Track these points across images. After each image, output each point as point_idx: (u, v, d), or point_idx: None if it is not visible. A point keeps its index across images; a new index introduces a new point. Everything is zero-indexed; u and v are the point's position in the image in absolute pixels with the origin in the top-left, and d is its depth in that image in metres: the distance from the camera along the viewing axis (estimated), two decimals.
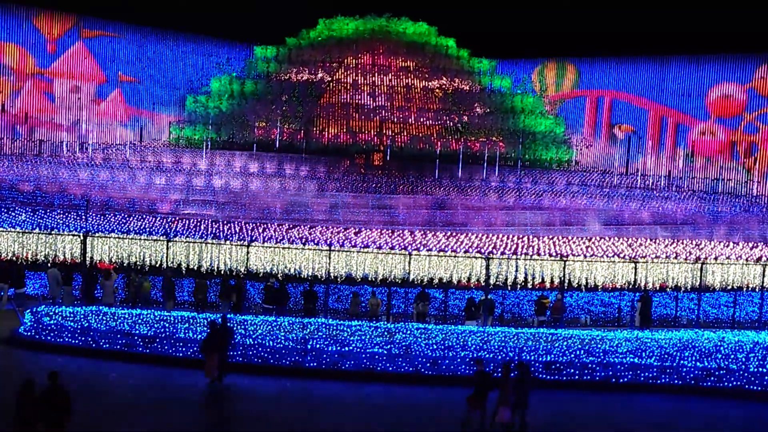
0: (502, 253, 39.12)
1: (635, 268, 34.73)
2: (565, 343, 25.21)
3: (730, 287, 36.15)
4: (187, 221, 46.63)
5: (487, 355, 23.82)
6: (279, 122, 72.17)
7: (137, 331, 24.39)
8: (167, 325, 24.95)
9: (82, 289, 29.87)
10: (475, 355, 23.74)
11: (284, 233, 43.62)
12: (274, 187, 59.84)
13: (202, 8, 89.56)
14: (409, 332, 25.70)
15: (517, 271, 34.86)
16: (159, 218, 47.57)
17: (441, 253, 36.37)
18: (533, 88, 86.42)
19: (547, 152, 75.29)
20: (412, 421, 19.94)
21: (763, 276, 35.06)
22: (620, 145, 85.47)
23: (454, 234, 47.18)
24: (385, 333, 25.50)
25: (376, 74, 77.71)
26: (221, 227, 45.36)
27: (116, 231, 39.04)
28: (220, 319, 23.11)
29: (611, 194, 64.62)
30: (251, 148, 69.62)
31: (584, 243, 45.55)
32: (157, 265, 33.71)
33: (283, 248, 34.97)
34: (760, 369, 23.74)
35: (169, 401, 20.40)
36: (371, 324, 27.08)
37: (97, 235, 34.91)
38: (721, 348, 25.42)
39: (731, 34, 79.61)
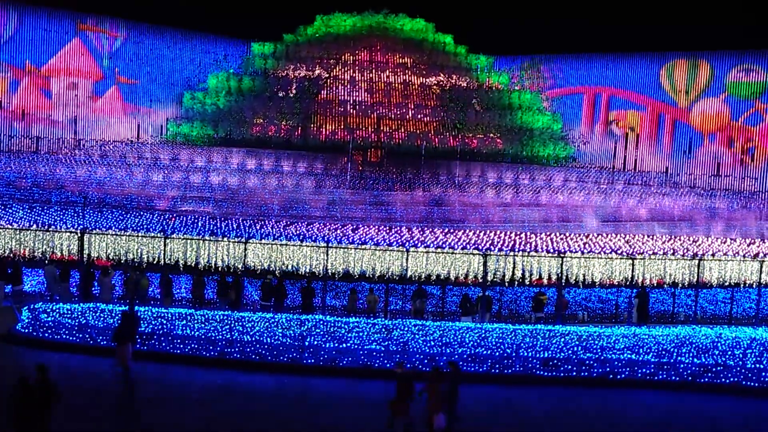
0: (500, 250, 39.12)
1: (633, 265, 34.74)
2: (562, 339, 25.22)
3: (727, 283, 36.15)
4: (184, 218, 46.58)
5: (485, 352, 23.84)
6: (276, 119, 72.15)
7: None
8: (165, 321, 24.94)
9: (80, 286, 29.85)
10: (472, 351, 23.75)
11: (282, 230, 43.58)
12: (271, 183, 59.83)
13: (199, 5, 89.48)
14: (406, 329, 25.71)
15: (514, 267, 34.86)
16: (156, 215, 47.50)
17: (438, 250, 36.34)
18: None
19: (545, 149, 75.35)
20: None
21: (761, 272, 35.08)
22: (618, 141, 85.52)
23: (451, 230, 47.16)
24: (383, 330, 25.51)
25: (374, 71, 77.71)
26: (219, 224, 45.33)
27: (113, 228, 38.96)
28: (128, 308, 23.23)
29: (609, 191, 64.70)
30: (249, 144, 69.58)
31: (582, 239, 45.56)
32: (155, 262, 33.68)
33: (281, 245, 34.93)
34: (757, 365, 23.78)
35: (166, 398, 20.39)
36: (369, 321, 27.08)
37: (94, 231, 34.85)
38: (719, 344, 25.45)
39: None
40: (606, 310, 33.36)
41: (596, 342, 25.05)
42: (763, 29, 77.51)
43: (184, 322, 25.07)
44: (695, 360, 24.05)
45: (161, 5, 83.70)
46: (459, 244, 41.61)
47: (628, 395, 22.77)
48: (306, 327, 25.46)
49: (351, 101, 74.30)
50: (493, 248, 40.22)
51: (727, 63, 79.71)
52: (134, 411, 19.54)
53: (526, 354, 23.83)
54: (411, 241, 41.46)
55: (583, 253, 38.68)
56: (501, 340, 24.83)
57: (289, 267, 34.24)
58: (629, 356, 24.07)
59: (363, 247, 35.68)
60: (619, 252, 39.88)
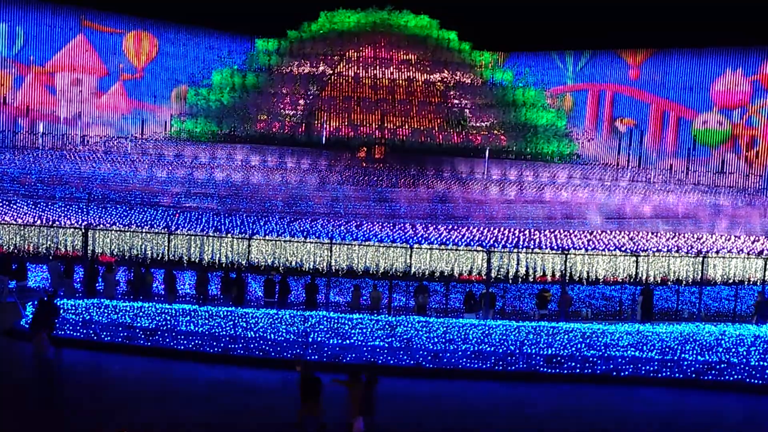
0: (504, 247, 39.15)
1: (636, 262, 34.71)
2: (566, 336, 25.20)
3: (731, 281, 36.13)
4: (188, 214, 46.65)
5: (488, 349, 23.83)
6: (280, 115, 72.12)
7: (138, 324, 24.42)
8: (168, 317, 24.97)
9: (84, 282, 29.89)
10: (475, 348, 23.73)
11: (285, 226, 43.62)
12: (275, 180, 59.82)
13: (203, 2, 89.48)
14: (410, 325, 25.71)
15: (518, 264, 34.88)
16: (160, 211, 47.57)
17: (442, 247, 36.35)
18: None
19: (549, 145, 75.25)
20: (412, 413, 19.97)
21: (765, 269, 35.02)
22: (622, 138, 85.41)
23: (455, 227, 47.18)
24: (387, 326, 25.51)
25: (378, 67, 77.66)
26: (222, 220, 45.40)
27: (117, 224, 39.05)
28: (46, 297, 23.45)
29: (612, 188, 64.60)
30: (253, 141, 69.59)
31: (585, 236, 45.54)
32: (159, 258, 33.74)
33: (285, 241, 34.98)
34: (761, 362, 23.73)
35: (170, 393, 20.42)
36: (372, 317, 27.09)
37: (98, 228, 34.93)
38: (722, 341, 25.43)
39: (734, 27, 79.50)
40: (610, 307, 33.31)
41: (600, 339, 25.04)
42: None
43: (188, 318, 25.11)
44: (699, 357, 24.02)
45: (165, 2, 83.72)
46: (463, 240, 41.63)
47: (632, 392, 22.73)
48: (310, 323, 25.47)
49: (355, 97, 74.26)
50: (496, 245, 40.27)
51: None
52: (54, 398, 19.71)
53: (529, 351, 23.82)
54: (415, 238, 41.48)
55: (587, 250, 38.69)
56: (504, 337, 24.83)
57: (293, 263, 34.30)
58: (633, 353, 24.05)
59: (367, 243, 35.74)
60: (623, 249, 39.88)
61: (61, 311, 24.06)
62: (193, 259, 34.10)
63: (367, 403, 17.59)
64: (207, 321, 24.86)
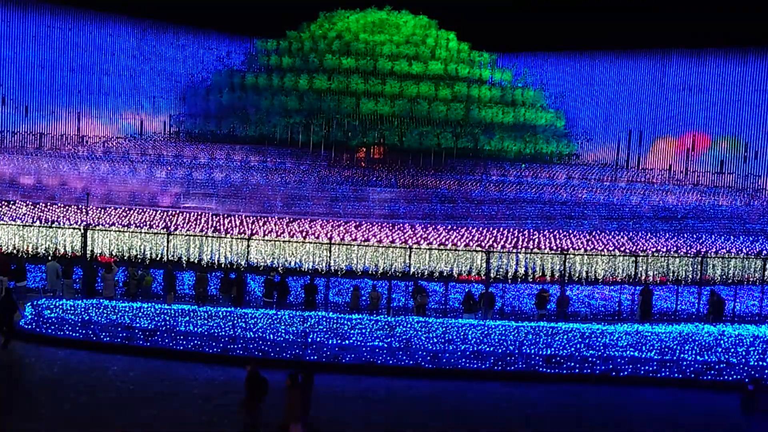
0: (503, 247, 39.16)
1: (636, 262, 34.72)
2: (565, 336, 25.21)
3: (730, 281, 36.14)
4: (187, 214, 46.64)
5: (488, 349, 23.84)
6: (280, 115, 72.15)
7: (138, 324, 24.41)
8: (167, 318, 24.97)
9: (83, 282, 29.88)
10: (475, 348, 23.75)
11: (285, 227, 43.60)
12: (274, 180, 59.83)
13: (203, 2, 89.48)
14: (409, 326, 25.72)
15: (517, 264, 34.87)
16: (159, 211, 47.56)
17: (441, 247, 36.35)
18: None
19: (548, 146, 75.29)
20: (412, 414, 19.98)
21: (764, 270, 35.05)
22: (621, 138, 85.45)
23: (454, 227, 47.16)
24: (386, 326, 25.52)
25: (376, 67, 77.70)
26: (222, 220, 45.38)
27: (117, 224, 39.04)
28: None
29: (612, 188, 64.62)
30: (252, 141, 69.62)
31: (585, 237, 45.53)
32: (158, 259, 33.73)
33: (284, 242, 34.99)
34: (760, 363, 23.76)
35: (169, 394, 20.43)
36: (372, 317, 27.10)
37: (97, 228, 34.92)
38: (722, 342, 25.45)
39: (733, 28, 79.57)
40: (609, 307, 33.33)
41: (599, 339, 25.05)
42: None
43: (187, 318, 25.11)
44: (698, 357, 24.04)
45: (165, 2, 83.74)
46: (462, 241, 41.61)
47: (631, 392, 22.76)
48: (309, 324, 25.48)
49: (354, 98, 74.31)
50: (496, 245, 40.28)
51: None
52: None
53: (528, 351, 23.82)
54: (414, 238, 41.47)
55: (586, 250, 38.68)
56: (504, 337, 24.84)
57: (292, 264, 34.31)
58: (632, 353, 24.06)
59: (366, 243, 35.73)
60: (622, 249, 39.88)
61: (18, 306, 24.62)
62: (192, 260, 34.10)
63: (304, 404, 17.55)
64: (206, 321, 24.86)
